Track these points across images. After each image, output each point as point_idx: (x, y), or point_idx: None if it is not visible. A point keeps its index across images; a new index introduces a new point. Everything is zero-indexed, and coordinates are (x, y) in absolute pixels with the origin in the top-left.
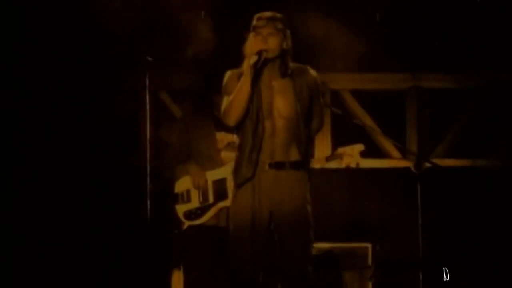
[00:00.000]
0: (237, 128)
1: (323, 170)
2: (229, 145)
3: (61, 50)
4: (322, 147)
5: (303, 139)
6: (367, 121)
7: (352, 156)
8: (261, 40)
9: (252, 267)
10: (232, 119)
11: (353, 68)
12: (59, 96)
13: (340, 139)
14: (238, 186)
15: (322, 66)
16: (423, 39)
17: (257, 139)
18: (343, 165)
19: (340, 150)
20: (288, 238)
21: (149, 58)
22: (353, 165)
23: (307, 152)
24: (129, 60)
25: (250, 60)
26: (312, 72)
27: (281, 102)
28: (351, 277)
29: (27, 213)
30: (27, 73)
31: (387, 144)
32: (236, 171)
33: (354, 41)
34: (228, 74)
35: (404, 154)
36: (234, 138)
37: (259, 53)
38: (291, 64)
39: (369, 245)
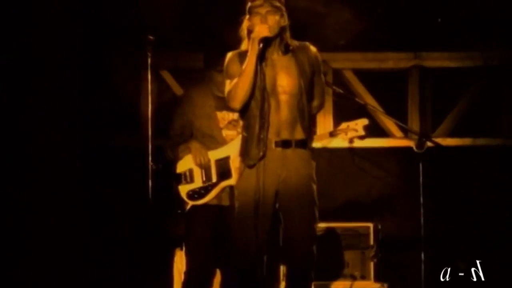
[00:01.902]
0: (242, 110)
1: (324, 149)
2: (231, 123)
3: (61, 27)
4: (324, 126)
5: (307, 117)
6: (369, 100)
7: (356, 130)
8: (264, 27)
9: (256, 247)
10: (237, 103)
11: (355, 47)
12: (59, 74)
13: (342, 119)
14: (250, 167)
15: (324, 44)
16: (425, 17)
17: (265, 117)
18: (347, 140)
19: (344, 125)
20: (294, 217)
21: (150, 37)
22: (357, 139)
23: (310, 131)
24: (131, 38)
25: (253, 44)
26: (313, 48)
27: (284, 79)
28: (353, 257)
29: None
30: (25, 50)
31: (389, 124)
32: (245, 152)
33: (355, 20)
34: (228, 56)
35: (406, 133)
36: (235, 116)
37: (263, 41)
38: (292, 41)
39: (370, 225)
